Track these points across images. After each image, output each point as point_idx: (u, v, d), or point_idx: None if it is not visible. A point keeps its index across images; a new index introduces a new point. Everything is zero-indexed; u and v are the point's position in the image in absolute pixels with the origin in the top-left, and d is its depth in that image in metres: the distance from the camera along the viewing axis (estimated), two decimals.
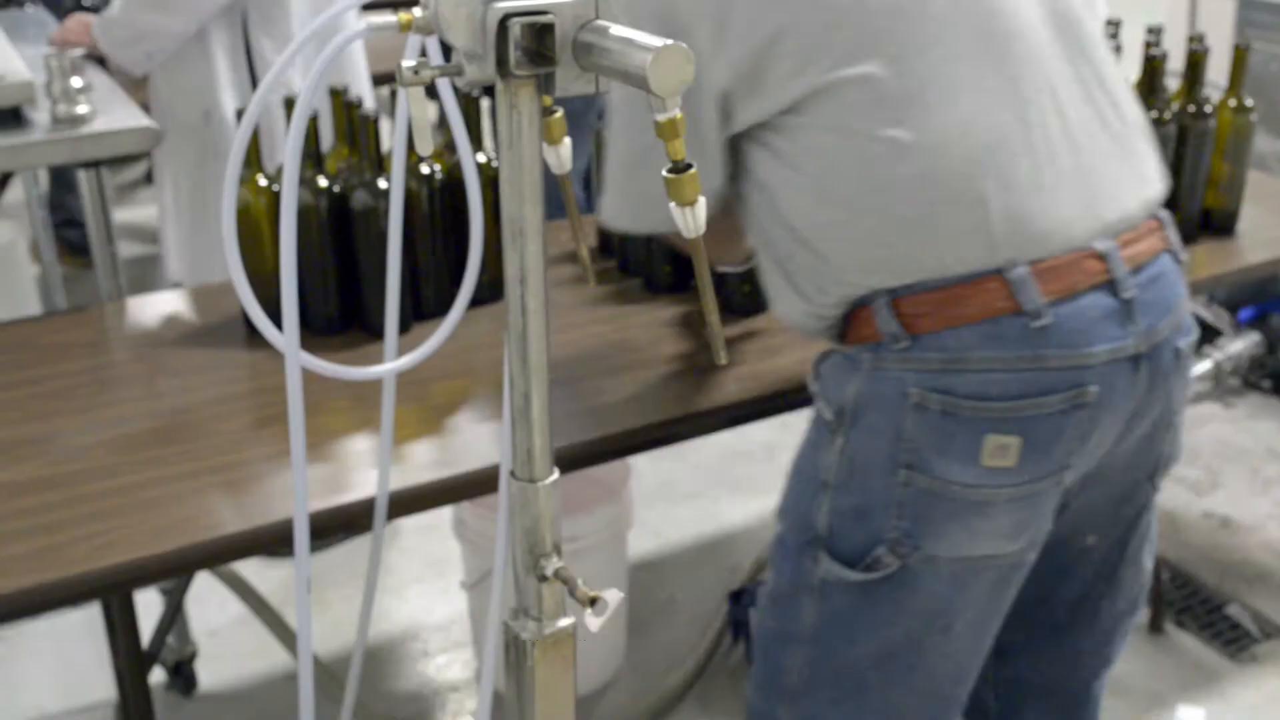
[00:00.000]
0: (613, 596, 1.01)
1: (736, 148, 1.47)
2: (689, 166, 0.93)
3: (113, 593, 1.65)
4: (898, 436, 1.38)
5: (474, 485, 1.54)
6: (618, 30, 0.90)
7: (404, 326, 1.80)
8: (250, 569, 2.63)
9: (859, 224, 1.38)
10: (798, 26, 1.35)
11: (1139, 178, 1.47)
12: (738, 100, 1.41)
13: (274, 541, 1.41)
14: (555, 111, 1.09)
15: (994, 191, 1.35)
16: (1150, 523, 1.64)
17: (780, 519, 1.56)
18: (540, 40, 0.89)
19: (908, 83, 1.35)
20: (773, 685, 1.59)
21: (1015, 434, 1.35)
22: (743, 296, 1.89)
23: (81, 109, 2.10)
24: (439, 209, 1.85)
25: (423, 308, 1.88)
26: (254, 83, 2.67)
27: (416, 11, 0.95)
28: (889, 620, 1.47)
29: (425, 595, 2.80)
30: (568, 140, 1.11)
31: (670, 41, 0.85)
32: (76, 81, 2.11)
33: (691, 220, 0.94)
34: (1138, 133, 1.49)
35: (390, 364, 1.29)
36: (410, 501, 1.50)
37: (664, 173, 0.94)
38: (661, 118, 0.91)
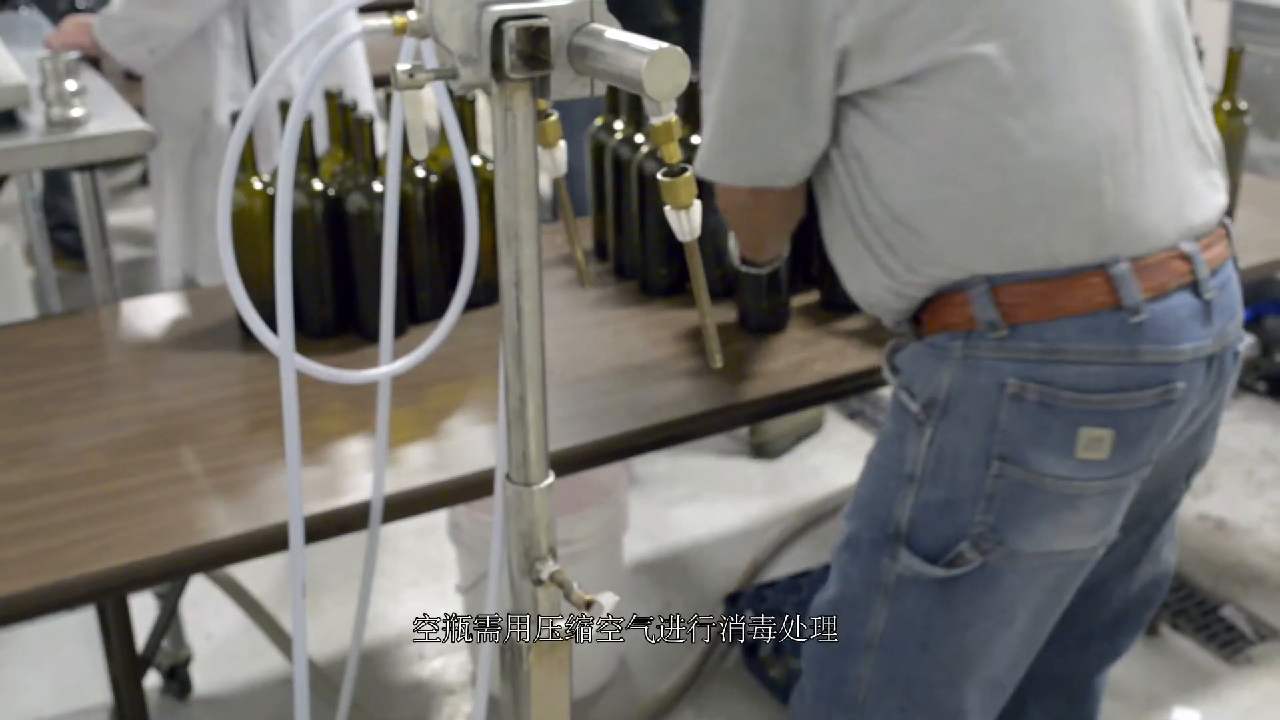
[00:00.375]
0: (608, 600, 1.01)
1: (835, 112, 1.46)
2: (684, 170, 0.93)
3: (108, 596, 1.65)
4: (992, 427, 1.38)
5: (469, 489, 1.54)
6: (613, 34, 0.90)
7: (399, 330, 1.80)
8: (246, 573, 2.63)
9: (971, 206, 1.38)
10: None
11: (1213, 186, 1.50)
12: (856, 62, 1.39)
13: (269, 545, 1.41)
14: (550, 115, 1.09)
15: (1108, 187, 1.37)
16: (1175, 520, 1.69)
17: (851, 519, 1.55)
18: (535, 44, 0.89)
19: (1035, 69, 1.35)
20: (833, 697, 1.57)
21: (1109, 427, 1.37)
22: (760, 313, 1.87)
23: (76, 112, 2.10)
24: (434, 212, 1.85)
25: (418, 311, 1.88)
26: (254, 80, 2.67)
27: (412, 15, 0.95)
28: (965, 622, 1.47)
29: (421, 599, 2.80)
30: (563, 144, 1.11)
31: (665, 45, 0.85)
32: (71, 84, 2.10)
33: (686, 224, 0.94)
34: (1213, 145, 1.52)
35: (385, 367, 1.29)
36: (405, 505, 1.50)
37: (660, 175, 0.94)
38: (657, 121, 0.91)
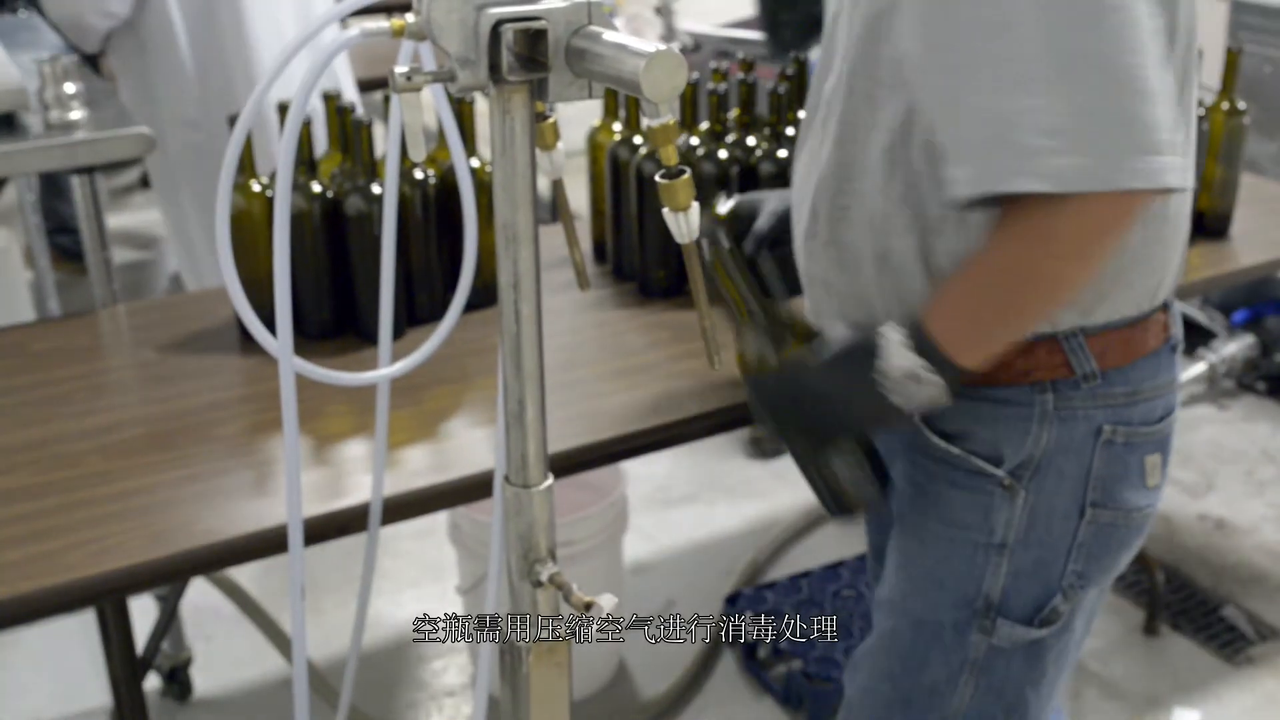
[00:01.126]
0: (608, 601, 1.01)
1: None
2: (683, 171, 0.93)
3: (107, 599, 1.65)
4: (1086, 476, 1.35)
5: (469, 490, 1.54)
6: (610, 36, 0.90)
7: (398, 331, 1.80)
8: (246, 575, 2.63)
9: (1118, 258, 1.29)
10: None
11: None
12: None
13: (268, 547, 1.41)
14: (549, 116, 1.09)
15: (1188, 230, 1.37)
16: None
17: (910, 601, 1.44)
18: (533, 46, 0.90)
19: (1184, 110, 1.25)
20: None
21: (1159, 451, 1.39)
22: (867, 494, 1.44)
23: (75, 115, 2.10)
24: (433, 214, 1.85)
25: (417, 313, 1.88)
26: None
27: (409, 17, 0.95)
28: (1044, 674, 1.44)
29: (421, 600, 2.80)
30: (561, 145, 1.11)
31: (663, 47, 0.85)
32: (70, 87, 2.10)
33: (685, 225, 0.94)
34: None
35: (384, 370, 1.29)
36: (405, 506, 1.50)
37: (658, 178, 0.93)
38: (655, 123, 0.91)
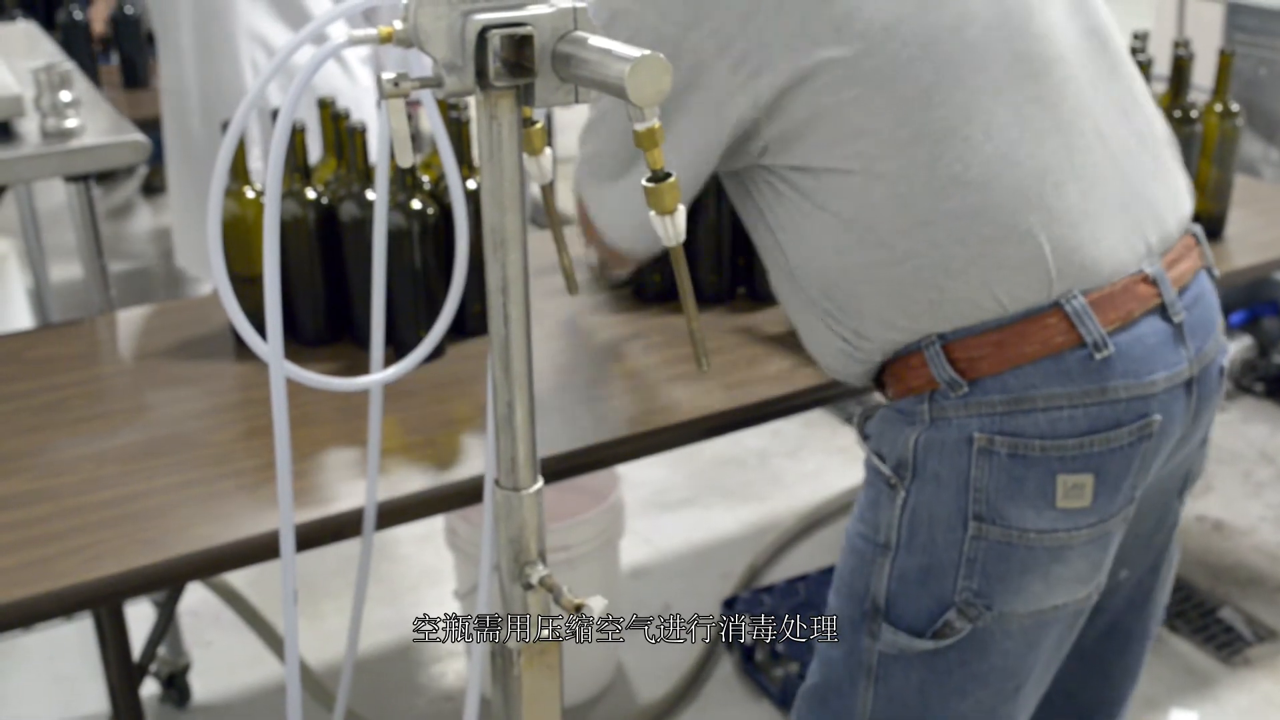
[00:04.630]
0: (597, 604, 1.01)
1: (749, 183, 1.40)
2: (668, 175, 0.94)
3: (102, 604, 1.65)
4: (965, 485, 1.32)
5: (462, 495, 1.54)
6: (596, 41, 0.90)
7: (392, 338, 1.80)
8: (244, 580, 2.63)
9: (900, 268, 1.31)
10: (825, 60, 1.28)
11: (1174, 194, 1.43)
12: (771, 150, 1.34)
13: (262, 553, 1.42)
14: (536, 122, 1.10)
15: (1044, 223, 1.29)
16: (1177, 540, 1.61)
17: (832, 598, 1.48)
18: (519, 52, 0.90)
19: (940, 115, 1.28)
20: None
21: (1087, 471, 1.31)
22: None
23: (71, 123, 2.11)
24: (431, 221, 1.85)
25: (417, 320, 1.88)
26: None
27: (397, 24, 0.96)
28: (959, 690, 1.40)
29: (419, 605, 2.80)
30: (549, 150, 1.12)
31: (648, 51, 0.86)
32: (65, 95, 2.11)
33: (671, 229, 0.94)
34: (1168, 149, 1.45)
35: (376, 375, 1.29)
36: (399, 511, 1.50)
37: (643, 182, 0.94)
38: (640, 127, 0.91)
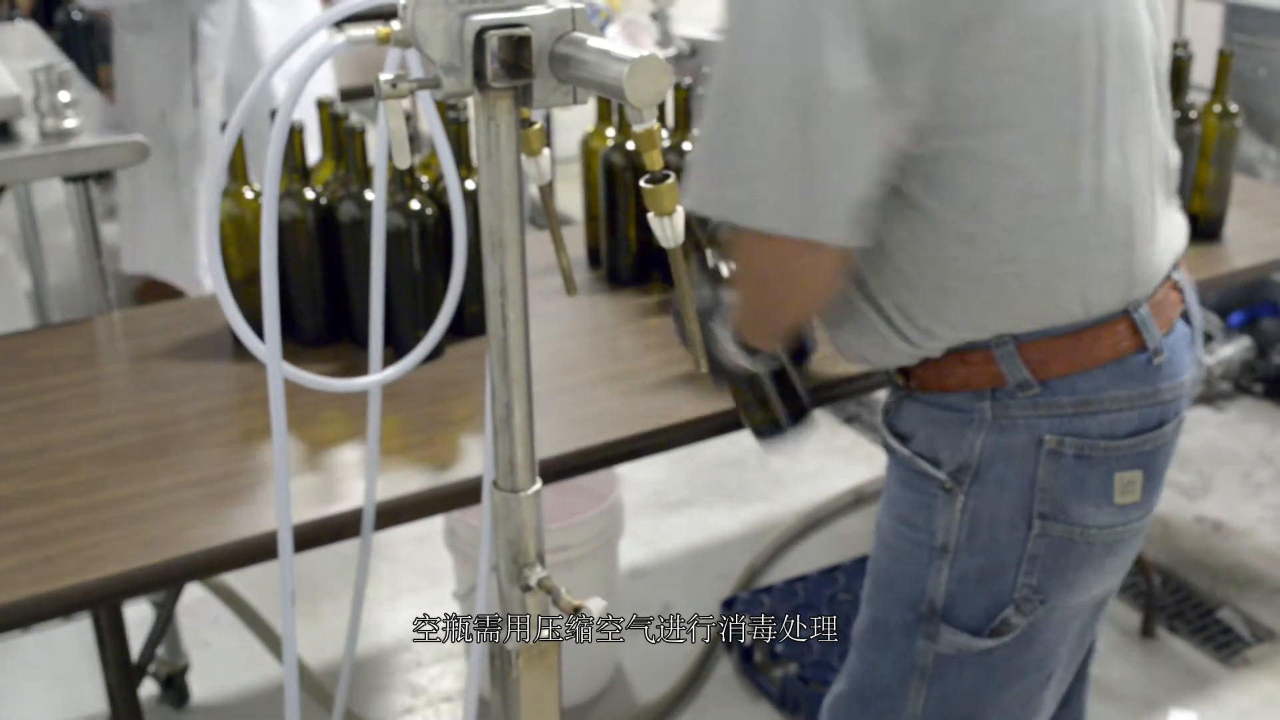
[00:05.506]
0: (596, 605, 1.01)
1: None
2: (667, 176, 0.93)
3: (101, 605, 1.65)
4: (1030, 486, 1.34)
5: (461, 495, 1.54)
6: (594, 42, 0.90)
7: (391, 338, 1.80)
8: (243, 582, 2.63)
9: (1004, 266, 1.30)
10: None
11: (1178, 208, 1.48)
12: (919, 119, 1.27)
13: (260, 553, 1.42)
14: (534, 123, 1.09)
15: (1135, 236, 1.33)
16: None
17: (872, 602, 1.47)
18: (517, 52, 0.90)
19: (1086, 116, 1.28)
20: None
21: (1138, 468, 1.36)
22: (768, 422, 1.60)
23: (69, 123, 2.11)
24: (430, 221, 1.85)
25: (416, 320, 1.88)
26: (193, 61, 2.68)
27: (395, 24, 0.95)
28: (1005, 684, 1.43)
29: (418, 606, 2.80)
30: (547, 151, 1.12)
31: (646, 52, 0.86)
32: (64, 96, 2.11)
33: (669, 230, 0.94)
34: (1174, 164, 1.48)
35: (374, 376, 1.29)
36: (398, 512, 1.50)
37: (642, 183, 0.94)
38: (639, 129, 0.91)
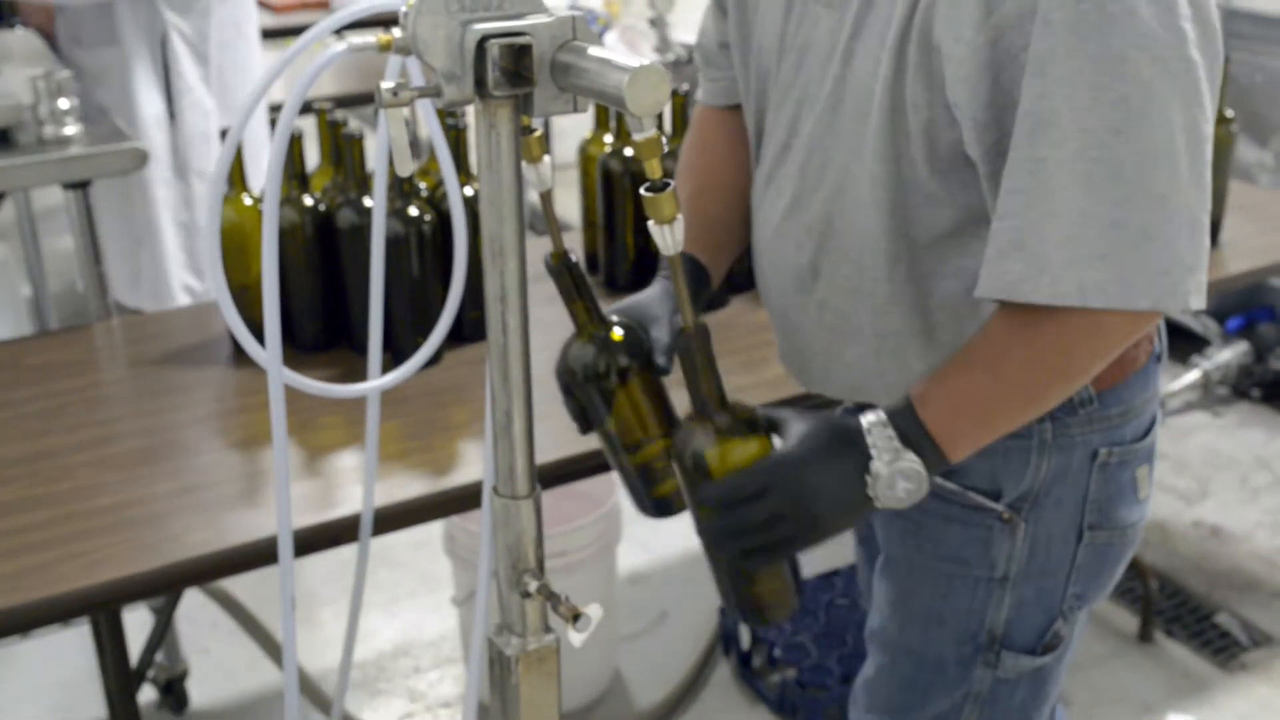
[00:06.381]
0: (595, 612, 1.02)
1: (956, 180, 1.21)
2: (666, 184, 0.94)
3: (100, 610, 1.65)
4: (1082, 501, 1.32)
5: (460, 501, 1.55)
6: (595, 50, 0.91)
7: (390, 344, 1.81)
8: (242, 588, 2.63)
9: None
10: None
11: None
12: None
13: (259, 558, 1.42)
14: (535, 130, 1.10)
15: None
16: None
17: (910, 639, 1.41)
18: (518, 61, 0.90)
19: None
20: None
21: (1147, 462, 1.36)
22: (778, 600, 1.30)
23: (69, 130, 2.11)
24: (429, 228, 1.86)
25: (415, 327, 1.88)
26: (167, 74, 2.67)
27: (396, 32, 0.96)
28: (1047, 693, 1.42)
29: (417, 611, 2.80)
30: (548, 158, 1.12)
31: (646, 61, 0.86)
32: (64, 103, 2.11)
33: (670, 238, 0.95)
34: None
35: (374, 382, 1.30)
36: (397, 517, 1.50)
37: (643, 191, 0.94)
38: (639, 137, 0.91)
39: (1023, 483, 1.30)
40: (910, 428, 1.15)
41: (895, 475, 1.13)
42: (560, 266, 1.24)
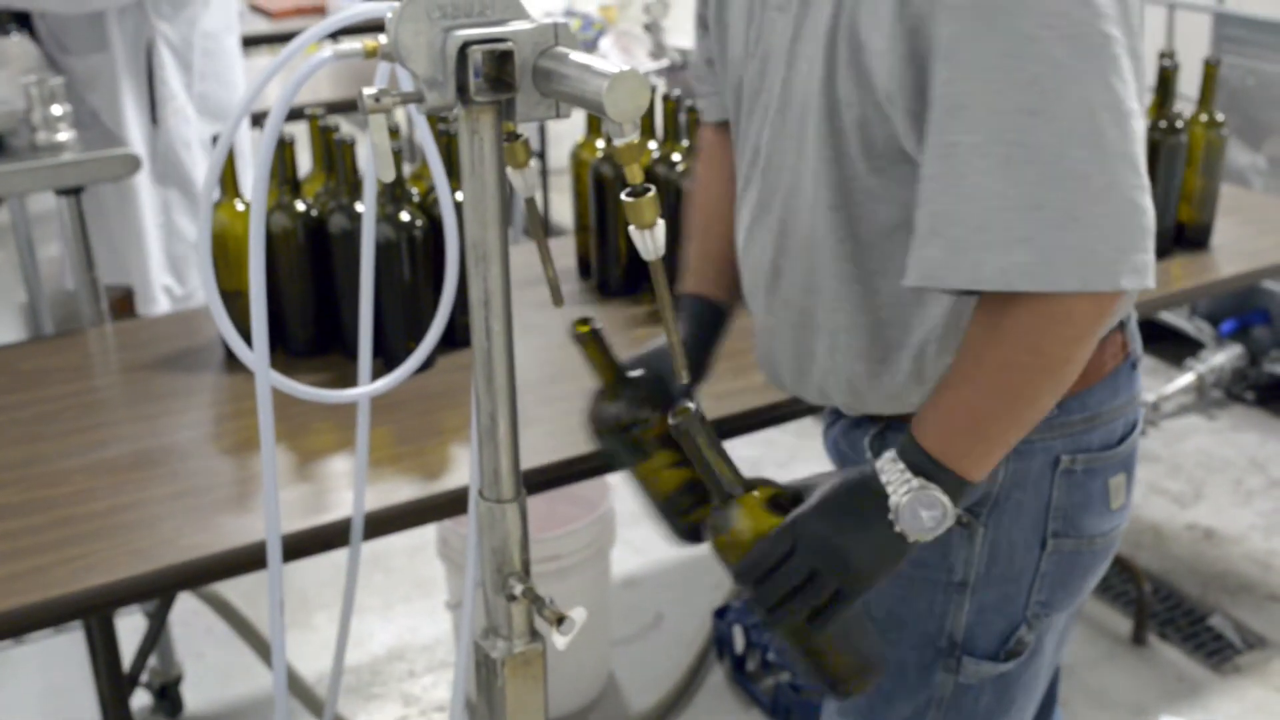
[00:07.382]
0: (579, 615, 1.02)
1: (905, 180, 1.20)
2: (647, 190, 0.94)
3: (92, 614, 1.66)
4: (1045, 507, 1.31)
5: (450, 505, 1.55)
6: (576, 56, 0.91)
7: (382, 349, 1.81)
8: (237, 592, 2.64)
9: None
10: None
11: None
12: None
13: (250, 562, 1.42)
14: (519, 136, 1.11)
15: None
16: None
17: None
18: (500, 67, 0.91)
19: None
20: None
21: (1124, 471, 1.35)
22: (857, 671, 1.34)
23: (62, 136, 2.12)
24: (421, 233, 1.86)
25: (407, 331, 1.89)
26: (150, 80, 2.67)
27: (382, 38, 0.97)
28: (1012, 700, 1.41)
29: (411, 615, 2.81)
30: (533, 163, 1.13)
31: (626, 68, 0.87)
32: (57, 109, 2.12)
33: (651, 243, 0.95)
34: None
35: (364, 387, 1.30)
36: (387, 521, 1.51)
37: (624, 196, 0.95)
38: (619, 143, 0.92)
39: (979, 487, 1.27)
40: (915, 456, 1.17)
41: (914, 505, 1.15)
42: (587, 336, 1.34)
